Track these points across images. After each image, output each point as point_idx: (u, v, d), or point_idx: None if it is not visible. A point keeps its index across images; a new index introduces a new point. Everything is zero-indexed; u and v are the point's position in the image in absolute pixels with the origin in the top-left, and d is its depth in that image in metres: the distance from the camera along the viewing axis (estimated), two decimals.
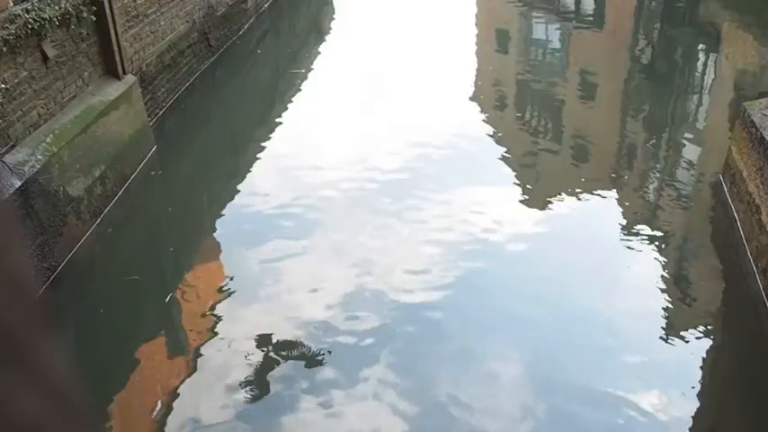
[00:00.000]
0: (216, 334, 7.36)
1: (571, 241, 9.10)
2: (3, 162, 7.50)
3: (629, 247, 8.99)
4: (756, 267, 7.91)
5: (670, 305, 7.95)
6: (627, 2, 21.32)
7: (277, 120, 13.09)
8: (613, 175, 11.11)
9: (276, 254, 8.70)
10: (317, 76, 15.60)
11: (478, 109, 13.65)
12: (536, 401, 6.55)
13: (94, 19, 9.72)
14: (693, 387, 6.83)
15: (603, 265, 8.73)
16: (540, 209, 9.78)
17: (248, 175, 10.97)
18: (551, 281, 8.19)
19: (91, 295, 8.17)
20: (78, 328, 7.48)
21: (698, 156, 12.00)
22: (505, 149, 11.73)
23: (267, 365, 6.88)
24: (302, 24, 20.92)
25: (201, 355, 7.09)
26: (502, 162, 11.27)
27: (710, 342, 7.50)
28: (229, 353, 7.08)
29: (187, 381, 6.74)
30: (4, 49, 7.65)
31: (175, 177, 11.07)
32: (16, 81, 7.94)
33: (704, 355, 7.28)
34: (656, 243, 9.03)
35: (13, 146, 7.83)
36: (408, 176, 10.57)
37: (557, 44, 18.70)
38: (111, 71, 10.27)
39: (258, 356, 7.00)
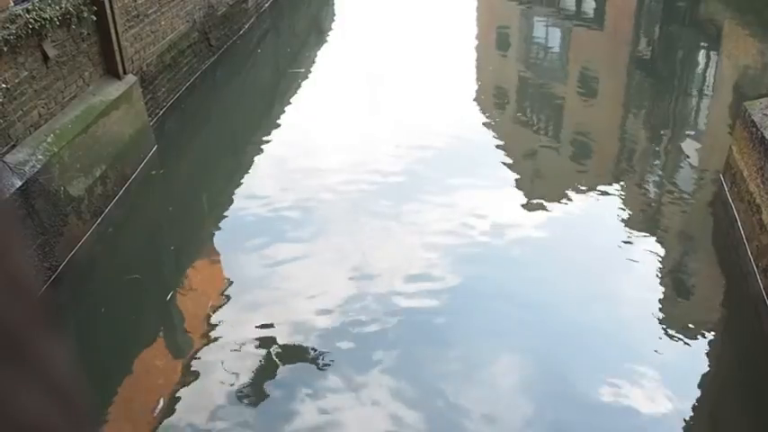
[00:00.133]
0: (216, 334, 7.36)
1: (572, 241, 9.10)
2: (4, 162, 7.50)
3: (629, 247, 8.98)
4: (757, 267, 7.91)
5: (670, 304, 7.95)
6: (627, 1, 21.32)
7: (277, 120, 13.09)
8: (614, 175, 11.11)
9: (276, 254, 8.70)
10: (318, 76, 15.60)
11: (479, 109, 13.65)
12: (536, 401, 6.54)
13: (95, 19, 9.73)
14: (694, 387, 6.83)
15: (604, 265, 8.73)
16: (541, 209, 9.77)
17: (249, 175, 10.97)
18: (552, 281, 8.19)
19: (91, 295, 8.18)
20: (79, 327, 7.48)
21: (698, 155, 11.99)
22: (506, 149, 11.72)
23: (267, 366, 6.88)
24: (303, 24, 20.92)
25: (202, 355, 7.09)
26: (502, 162, 11.26)
27: (711, 342, 7.50)
28: (229, 354, 7.08)
29: (187, 381, 6.74)
30: (5, 49, 7.65)
31: (176, 177, 11.07)
32: (17, 81, 7.94)
33: (705, 355, 7.28)
34: (657, 243, 9.03)
35: (14, 146, 7.84)
36: (409, 177, 10.57)
37: (557, 44, 18.70)
38: (112, 71, 10.28)
39: (258, 357, 7.00)
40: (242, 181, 10.77)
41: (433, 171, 10.72)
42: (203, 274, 8.76)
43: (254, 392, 6.59)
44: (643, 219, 9.69)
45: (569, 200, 10.06)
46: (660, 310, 7.81)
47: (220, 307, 7.81)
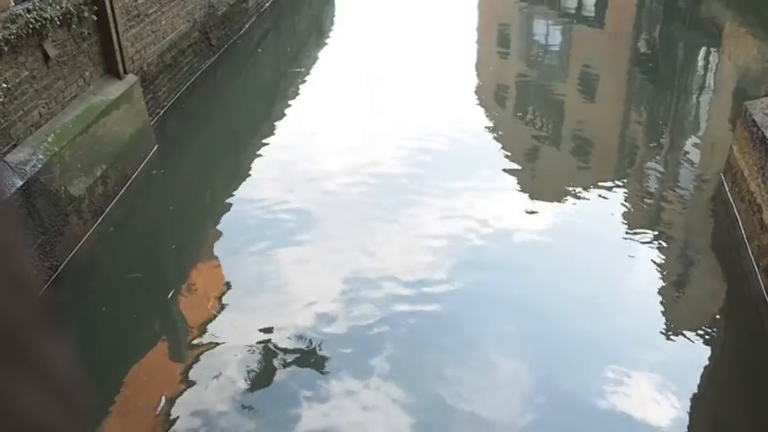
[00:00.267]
0: (216, 334, 7.36)
1: (572, 241, 9.09)
2: (4, 162, 7.51)
3: (630, 247, 8.98)
4: (758, 267, 7.91)
5: (671, 304, 7.95)
6: (628, 1, 21.32)
7: (278, 119, 13.09)
8: (614, 175, 11.10)
9: (277, 254, 8.70)
10: (318, 76, 15.60)
11: (479, 108, 13.65)
12: (537, 400, 6.54)
13: (95, 18, 9.73)
14: (695, 386, 6.83)
15: (604, 265, 8.73)
16: (541, 209, 9.77)
17: (249, 175, 10.97)
18: (552, 281, 8.19)
19: (92, 294, 8.18)
20: (79, 327, 7.49)
21: (699, 155, 11.99)
22: (506, 149, 11.72)
23: (267, 367, 6.88)
24: (303, 23, 20.93)
25: (202, 355, 7.09)
26: (503, 161, 11.26)
27: (712, 341, 7.49)
28: (229, 354, 7.09)
29: (188, 379, 6.75)
30: (6, 49, 7.65)
31: (177, 177, 11.07)
32: (17, 81, 7.94)
33: (705, 355, 7.28)
34: (657, 242, 9.03)
35: (15, 145, 7.84)
36: (409, 177, 10.56)
37: (558, 43, 18.70)
38: (113, 71, 10.28)
39: (258, 357, 7.00)
40: (243, 181, 10.77)
41: (433, 171, 10.72)
42: (204, 274, 8.76)
43: (253, 393, 6.59)
44: (644, 218, 9.69)
45: (570, 199, 10.05)
46: (661, 309, 7.80)
47: (221, 307, 7.81)
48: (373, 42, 17.67)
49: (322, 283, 8.04)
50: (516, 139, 12.46)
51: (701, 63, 17.13)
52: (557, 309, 7.72)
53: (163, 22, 12.42)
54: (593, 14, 21.03)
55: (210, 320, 7.58)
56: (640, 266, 8.64)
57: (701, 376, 6.99)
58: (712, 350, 7.37)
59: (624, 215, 9.70)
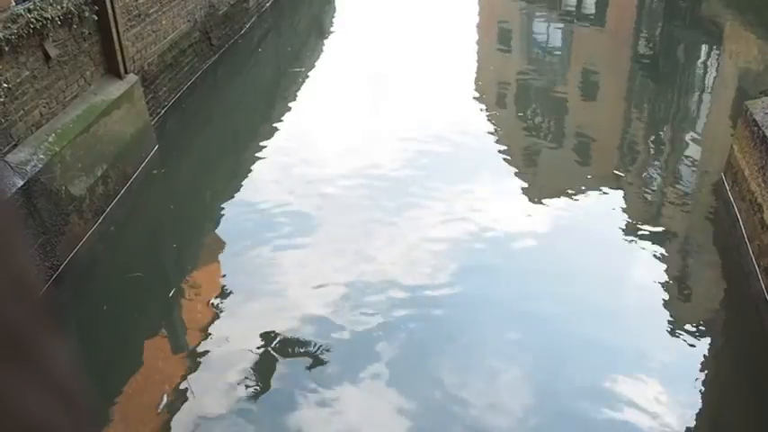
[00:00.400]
0: (218, 331, 7.36)
1: (573, 240, 9.10)
2: (5, 161, 7.51)
3: (630, 246, 8.98)
4: (758, 266, 7.90)
5: (671, 304, 7.94)
6: (628, 0, 21.31)
7: (279, 119, 13.09)
8: (615, 174, 11.09)
9: (278, 252, 8.70)
10: (319, 75, 15.60)
11: (480, 107, 13.64)
12: (537, 399, 6.55)
13: (96, 18, 9.73)
14: (695, 386, 6.83)
15: (605, 264, 8.73)
16: (542, 208, 9.77)
17: (250, 174, 10.97)
18: (553, 280, 8.19)
19: (93, 294, 8.19)
20: (80, 326, 7.49)
21: (700, 154, 11.98)
22: (507, 148, 11.72)
23: (270, 363, 6.89)
24: (304, 23, 20.92)
25: (204, 352, 7.09)
26: (503, 161, 11.27)
27: (712, 341, 7.49)
28: (232, 350, 7.09)
29: (189, 378, 6.75)
30: (7, 49, 7.66)
31: (177, 176, 11.08)
32: (18, 80, 7.95)
33: (706, 354, 7.28)
34: (658, 242, 9.03)
35: (16, 145, 7.84)
36: (410, 175, 10.57)
37: (558, 43, 18.69)
38: (113, 70, 10.29)
39: (261, 353, 7.00)
40: (243, 181, 10.77)
41: (433, 172, 10.72)
42: (204, 274, 8.76)
43: (253, 394, 6.59)
44: (644, 218, 9.68)
45: (570, 199, 10.05)
46: (661, 309, 7.80)
47: (221, 307, 7.81)
48: (374, 42, 17.67)
49: (322, 285, 8.04)
50: (517, 138, 12.45)
51: (701, 62, 17.12)
52: (557, 310, 7.71)
53: (163, 22, 12.42)
54: (593, 13, 21.02)
55: (211, 320, 7.58)
56: (641, 266, 8.63)
57: (702, 376, 6.99)
58: (713, 350, 7.37)
59: (625, 215, 9.70)
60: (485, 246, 8.86)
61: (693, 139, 12.65)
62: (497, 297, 7.99)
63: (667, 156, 12.10)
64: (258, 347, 7.10)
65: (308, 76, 15.47)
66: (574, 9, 21.21)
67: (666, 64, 16.98)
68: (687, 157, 11.89)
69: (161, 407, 6.42)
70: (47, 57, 8.52)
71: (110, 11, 9.94)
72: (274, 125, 12.77)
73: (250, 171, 11.07)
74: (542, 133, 13.04)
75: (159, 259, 9.24)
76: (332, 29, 20.21)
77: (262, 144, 11.94)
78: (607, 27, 20.05)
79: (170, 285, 8.45)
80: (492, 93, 14.77)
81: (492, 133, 12.45)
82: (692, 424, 6.41)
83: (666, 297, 8.03)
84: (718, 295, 8.49)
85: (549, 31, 19.02)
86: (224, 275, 8.50)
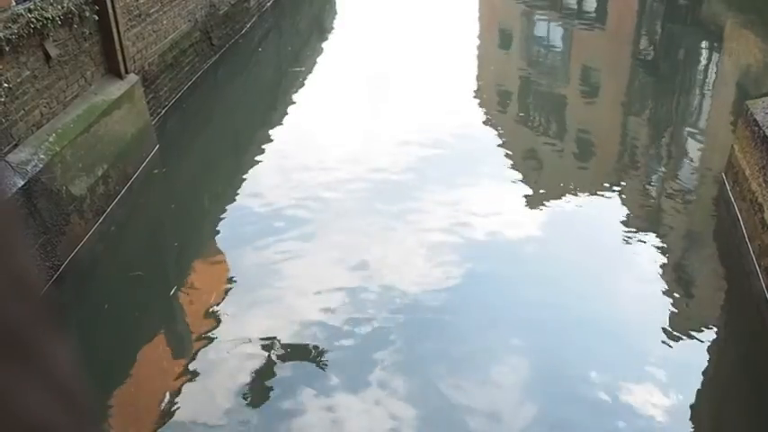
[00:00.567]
0: (218, 332, 7.36)
1: (574, 240, 9.09)
2: (6, 161, 7.51)
3: (631, 246, 8.98)
4: (759, 266, 7.90)
5: (672, 304, 7.94)
6: (629, 0, 21.30)
7: (279, 119, 13.10)
8: (616, 174, 11.09)
9: (278, 252, 8.70)
10: (320, 75, 15.60)
11: (480, 108, 13.65)
12: (537, 400, 6.54)
13: (97, 18, 9.74)
14: (696, 386, 6.83)
15: (606, 264, 8.73)
16: (543, 208, 9.77)
17: (251, 174, 10.97)
18: (554, 280, 8.19)
19: (94, 293, 8.19)
20: (81, 326, 7.49)
21: (700, 154, 11.98)
22: (508, 148, 11.72)
23: (269, 364, 6.89)
24: (304, 23, 20.93)
25: (204, 353, 7.09)
26: (504, 161, 11.26)
27: (713, 341, 7.49)
28: (231, 351, 7.09)
29: (190, 379, 6.75)
30: (7, 49, 7.66)
31: (178, 176, 11.08)
32: (19, 80, 7.95)
33: (706, 354, 7.27)
34: (659, 241, 9.03)
35: (16, 145, 7.85)
36: (410, 176, 10.57)
37: (559, 43, 18.69)
38: (114, 70, 10.29)
39: (260, 355, 7.00)
40: (244, 180, 10.78)
41: (434, 170, 10.72)
42: (206, 273, 8.76)
43: (256, 390, 6.59)
44: (645, 218, 9.68)
45: (571, 199, 10.05)
46: (662, 309, 7.80)
47: (223, 305, 7.82)
48: (374, 42, 17.67)
49: (323, 282, 8.04)
50: (517, 138, 12.45)
51: (702, 62, 17.12)
52: (557, 311, 7.71)
53: (164, 22, 12.42)
54: (594, 14, 21.01)
55: (212, 318, 7.58)
56: (642, 266, 8.63)
57: (703, 375, 6.99)
58: (714, 349, 7.37)
59: (625, 215, 9.70)
60: (485, 249, 8.86)
61: (694, 139, 12.65)
62: (498, 301, 7.99)
63: (668, 155, 12.10)
64: (258, 349, 7.10)
65: (308, 76, 15.47)
66: (574, 9, 21.20)
67: (667, 64, 16.98)
68: (688, 156, 11.89)
69: (161, 407, 6.42)
70: (47, 57, 8.52)
71: (110, 11, 9.94)
72: (275, 125, 12.77)
73: (250, 171, 11.07)
74: (543, 133, 13.03)
75: (160, 259, 9.24)
76: (333, 29, 20.21)
77: (262, 144, 11.94)
78: (608, 27, 20.04)
79: (170, 285, 8.45)
80: (492, 93, 14.77)
81: (493, 133, 12.44)
82: (693, 424, 6.41)
83: (667, 297, 8.03)
84: (719, 295, 8.49)
85: (550, 31, 19.02)
86: (224, 275, 8.50)
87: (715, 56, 17.07)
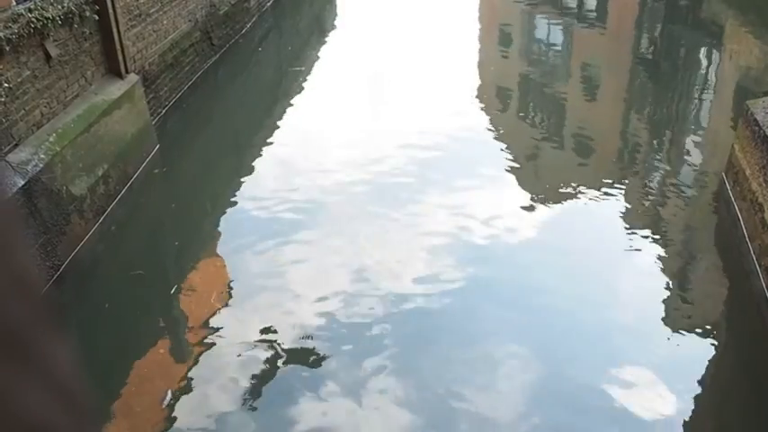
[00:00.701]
0: (218, 332, 7.36)
1: (573, 240, 9.09)
2: (6, 161, 7.51)
3: (631, 246, 8.98)
4: (759, 266, 7.90)
5: (672, 304, 7.94)
6: (629, 0, 21.30)
7: (279, 119, 13.10)
8: (616, 174, 11.09)
9: (278, 252, 8.70)
10: (320, 75, 15.60)
11: (481, 108, 13.64)
12: (537, 401, 6.54)
13: (97, 18, 9.74)
14: (696, 386, 6.83)
15: (605, 264, 8.73)
16: (543, 208, 9.77)
17: (251, 174, 10.97)
18: (554, 280, 8.19)
19: (94, 293, 8.19)
20: (81, 326, 7.49)
21: (701, 154, 11.98)
22: (508, 148, 11.72)
23: (271, 361, 6.89)
24: (304, 23, 20.92)
25: (204, 353, 7.10)
26: (504, 161, 11.26)
27: (713, 341, 7.49)
28: (233, 349, 7.09)
29: (189, 379, 6.75)
30: (7, 49, 7.66)
31: (178, 176, 11.08)
32: (19, 80, 7.95)
33: (707, 354, 7.27)
34: (659, 241, 9.03)
35: (17, 145, 7.85)
36: (411, 176, 10.57)
37: (559, 43, 18.69)
38: (114, 70, 10.29)
39: (260, 355, 7.00)
40: (244, 180, 10.78)
41: (434, 171, 10.72)
42: (206, 273, 8.77)
43: (254, 391, 6.59)
44: (645, 218, 9.68)
45: (571, 199, 10.05)
46: (662, 308, 7.80)
47: (223, 305, 7.82)
48: (374, 41, 17.67)
49: (323, 282, 8.04)
50: (518, 138, 12.45)
51: (702, 62, 17.12)
52: (558, 309, 7.72)
53: (164, 22, 12.42)
54: (594, 13, 21.01)
55: (212, 318, 7.59)
56: (642, 266, 8.63)
57: (703, 375, 6.99)
58: (714, 349, 7.36)
59: (625, 214, 9.70)
60: (486, 245, 8.86)
61: (694, 139, 12.65)
62: (498, 297, 7.99)
63: (668, 155, 12.09)
64: (259, 344, 7.10)
65: (308, 76, 15.47)
66: (575, 9, 21.20)
67: (667, 64, 16.97)
68: (688, 156, 11.89)
69: (161, 407, 6.43)
70: (47, 56, 8.52)
71: (110, 10, 9.94)
72: (275, 125, 12.77)
73: (251, 170, 11.08)
74: (543, 133, 13.03)
75: (160, 258, 9.24)
76: (333, 29, 20.21)
77: (262, 144, 11.95)
78: (608, 27, 20.04)
79: (171, 284, 8.45)
80: (492, 93, 14.77)
81: (493, 133, 12.44)
82: (693, 423, 6.41)
83: (667, 296, 8.03)
84: (719, 295, 8.49)
85: (550, 31, 19.02)
86: (225, 274, 8.51)
87: (715, 56, 17.06)
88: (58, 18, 8.61)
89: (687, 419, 6.43)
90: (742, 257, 8.45)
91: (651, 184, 10.93)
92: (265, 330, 7.32)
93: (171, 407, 6.43)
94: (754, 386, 7.09)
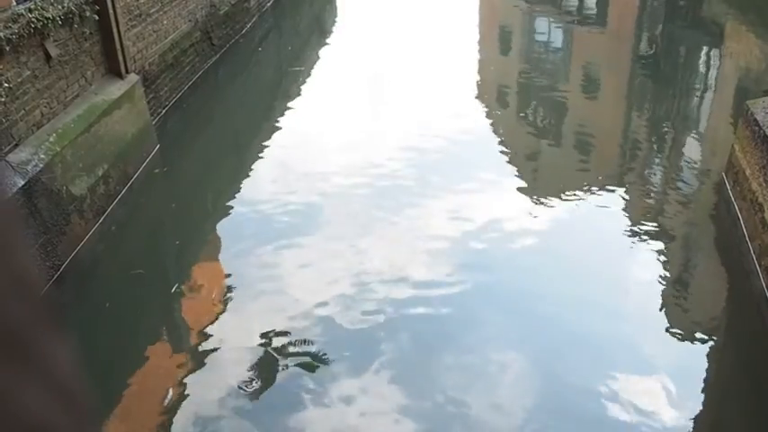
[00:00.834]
0: (220, 330, 7.36)
1: (574, 239, 9.09)
2: (6, 161, 7.51)
3: (631, 246, 8.98)
4: (759, 266, 7.90)
5: (672, 303, 7.94)
6: (630, 0, 21.30)
7: (280, 119, 13.10)
8: (616, 174, 11.09)
9: (279, 250, 8.70)
10: (320, 75, 15.61)
11: (481, 108, 13.65)
12: (537, 400, 6.54)
13: (97, 18, 9.74)
14: (696, 386, 6.83)
15: (606, 263, 8.73)
16: (543, 208, 9.77)
17: (251, 174, 10.98)
18: (554, 279, 8.18)
19: (94, 293, 8.19)
20: (81, 326, 7.49)
21: (701, 154, 11.98)
22: (508, 149, 11.72)
23: (271, 362, 6.89)
24: (305, 23, 20.93)
25: (205, 351, 7.10)
26: (505, 161, 11.26)
27: (713, 340, 7.49)
28: (233, 349, 7.09)
29: (191, 377, 6.75)
30: (8, 49, 7.66)
31: (178, 176, 11.08)
32: (19, 80, 7.95)
33: (707, 354, 7.27)
34: (659, 241, 9.02)
35: (17, 145, 7.85)
36: (411, 175, 10.56)
37: (559, 43, 18.69)
38: (114, 70, 10.29)
39: (262, 352, 7.00)
40: (244, 179, 10.78)
41: (434, 172, 10.72)
42: (206, 272, 8.77)
43: (256, 388, 6.60)
44: (645, 218, 9.68)
45: (571, 199, 10.05)
46: (662, 308, 7.80)
47: (223, 305, 7.82)
48: (375, 42, 17.67)
49: (323, 283, 8.04)
50: (518, 138, 12.45)
51: (702, 62, 17.11)
52: (558, 310, 7.71)
53: (164, 22, 12.43)
54: (594, 13, 21.01)
55: (212, 319, 7.58)
56: (642, 265, 8.63)
57: (703, 375, 6.99)
58: (714, 349, 7.37)
59: (626, 214, 9.70)
60: (486, 246, 8.86)
61: (694, 139, 12.65)
62: (498, 297, 7.99)
63: (668, 155, 12.09)
64: (259, 346, 7.10)
65: (308, 76, 15.48)
66: (575, 9, 21.20)
67: (667, 63, 16.97)
68: (688, 156, 11.89)
69: (162, 406, 6.42)
70: (48, 56, 8.52)
71: (111, 10, 9.94)
72: (275, 125, 12.77)
73: (251, 170, 11.08)
74: (543, 133, 13.03)
75: (160, 258, 9.24)
76: (333, 29, 20.21)
77: (263, 143, 11.95)
78: (608, 27, 20.04)
79: (171, 284, 8.45)
80: (493, 92, 14.77)
81: (493, 133, 12.45)
82: (693, 423, 6.41)
83: (667, 296, 8.03)
84: (719, 294, 8.49)
85: (550, 31, 19.02)
86: (225, 274, 8.51)
87: (715, 56, 17.06)
88: (58, 18, 8.61)
89: (687, 419, 6.43)
90: (742, 257, 8.45)
91: (651, 185, 10.93)
92: (265, 330, 7.32)
93: (171, 407, 6.43)
94: (754, 386, 7.08)
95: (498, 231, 9.12)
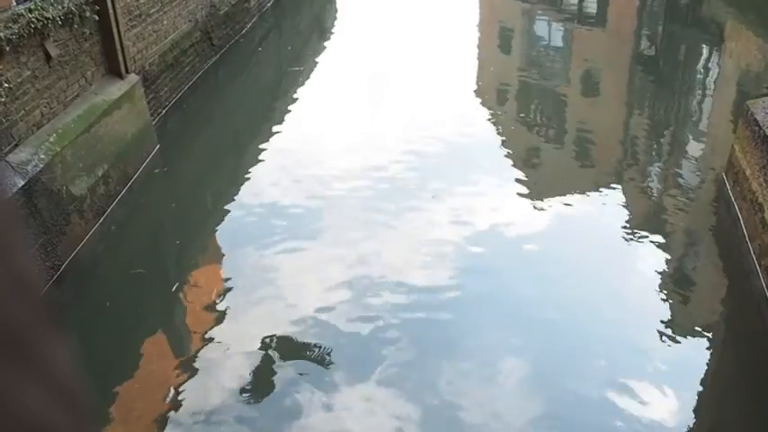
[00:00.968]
0: (219, 331, 7.36)
1: (574, 240, 9.09)
2: (6, 161, 7.51)
3: (632, 246, 8.98)
4: (759, 266, 7.90)
5: (673, 303, 7.94)
6: (630, 0, 21.30)
7: (280, 118, 13.10)
8: (617, 174, 11.10)
9: (279, 251, 8.70)
10: (320, 75, 15.60)
11: (481, 108, 13.64)
12: (537, 400, 6.54)
13: (97, 18, 9.74)
14: (696, 386, 6.83)
15: (606, 264, 8.73)
16: (543, 209, 9.77)
17: (251, 174, 10.97)
18: (554, 280, 8.18)
19: (94, 293, 8.18)
20: (81, 326, 7.49)
21: (701, 154, 11.98)
22: (508, 149, 11.72)
23: (270, 364, 6.89)
24: (305, 23, 20.93)
25: (205, 353, 7.09)
26: (505, 161, 11.26)
27: (713, 340, 7.49)
28: (233, 350, 7.09)
29: (190, 378, 6.75)
30: (8, 49, 7.66)
31: (178, 176, 11.08)
32: (19, 80, 7.95)
33: (706, 354, 7.27)
34: (659, 241, 9.02)
35: (17, 145, 7.85)
36: (411, 176, 10.56)
37: (559, 43, 18.69)
38: (114, 70, 10.29)
39: (261, 354, 7.00)
40: (244, 179, 10.78)
41: (434, 172, 10.71)
42: (206, 272, 8.77)
43: (256, 390, 6.60)
44: (645, 218, 9.68)
45: (572, 199, 10.05)
46: (662, 308, 7.80)
47: (223, 303, 7.82)
48: (375, 42, 17.67)
49: (323, 284, 8.04)
50: (518, 138, 12.45)
51: (702, 62, 17.11)
52: (558, 311, 7.71)
53: (164, 22, 12.42)
54: (594, 13, 21.01)
55: (212, 320, 7.58)
56: (642, 266, 8.63)
57: (703, 375, 6.99)
58: (714, 349, 7.37)
59: (626, 214, 9.70)
60: (486, 247, 8.86)
61: (694, 139, 12.65)
62: (499, 299, 7.99)
63: (668, 155, 12.10)
64: (259, 348, 7.10)
65: (309, 76, 15.47)
66: (575, 9, 21.20)
67: (667, 63, 16.97)
68: (688, 156, 11.89)
69: (162, 406, 6.42)
70: (48, 57, 8.52)
71: (111, 11, 9.94)
72: (275, 125, 12.77)
73: (251, 170, 11.07)
74: (544, 133, 13.03)
75: (161, 258, 9.24)
76: (333, 28, 20.21)
77: (263, 144, 11.94)
78: (608, 26, 20.04)
79: (171, 284, 8.45)
80: (493, 92, 14.77)
81: (493, 133, 12.44)
82: (693, 424, 6.41)
83: (667, 296, 8.03)
84: (720, 295, 8.49)
85: (551, 31, 19.02)
86: (225, 274, 8.51)
87: (715, 56, 17.06)
88: (58, 18, 8.61)
89: (687, 419, 6.43)
90: (742, 257, 8.45)
91: (651, 184, 10.93)
92: (266, 328, 7.32)
93: (171, 406, 6.43)
94: (754, 386, 7.08)
95: (499, 235, 9.12)
